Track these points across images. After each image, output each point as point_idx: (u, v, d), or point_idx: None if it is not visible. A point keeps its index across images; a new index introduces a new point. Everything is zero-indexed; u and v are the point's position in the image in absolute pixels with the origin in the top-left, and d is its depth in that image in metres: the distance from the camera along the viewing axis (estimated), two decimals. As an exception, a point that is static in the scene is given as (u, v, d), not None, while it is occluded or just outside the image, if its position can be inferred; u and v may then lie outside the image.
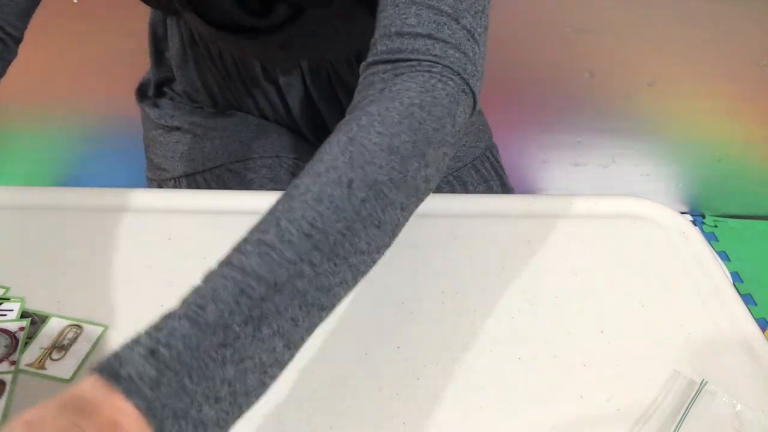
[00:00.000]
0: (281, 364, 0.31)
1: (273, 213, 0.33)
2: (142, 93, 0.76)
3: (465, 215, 0.56)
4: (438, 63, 0.39)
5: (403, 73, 0.39)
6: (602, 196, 0.60)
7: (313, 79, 0.64)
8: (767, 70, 1.28)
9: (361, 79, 0.41)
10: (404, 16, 0.40)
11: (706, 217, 1.58)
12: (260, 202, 0.56)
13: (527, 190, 1.51)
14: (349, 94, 0.66)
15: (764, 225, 1.57)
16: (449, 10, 0.40)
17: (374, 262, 0.35)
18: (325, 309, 0.32)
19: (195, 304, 0.29)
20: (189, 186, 0.70)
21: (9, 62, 0.46)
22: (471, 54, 0.40)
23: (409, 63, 0.39)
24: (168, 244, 0.51)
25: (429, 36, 0.39)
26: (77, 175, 1.40)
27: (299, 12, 0.56)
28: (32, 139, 1.31)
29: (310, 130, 0.71)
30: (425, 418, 0.40)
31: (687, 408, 0.41)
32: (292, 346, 0.31)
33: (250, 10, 0.56)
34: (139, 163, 0.77)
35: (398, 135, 0.36)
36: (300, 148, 0.71)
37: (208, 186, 0.69)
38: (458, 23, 0.40)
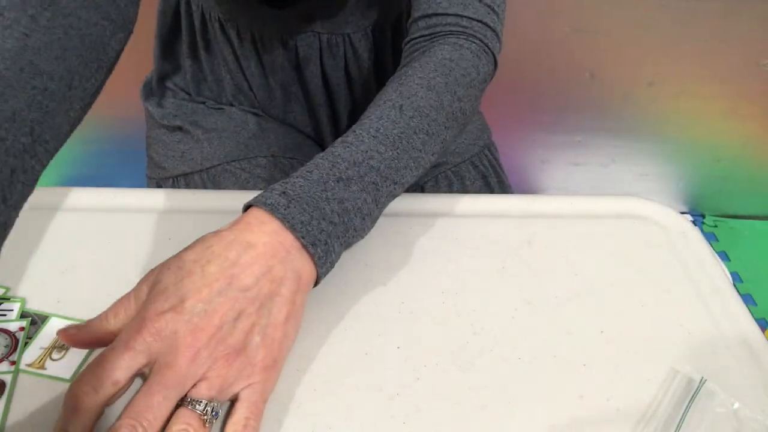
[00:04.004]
0: (373, 217, 0.45)
1: (352, 128, 0.47)
2: (147, 91, 0.76)
3: (465, 215, 0.56)
4: (464, 33, 0.54)
5: (437, 40, 0.54)
6: (602, 196, 0.60)
7: (330, 53, 0.66)
8: (767, 70, 1.28)
9: (406, 51, 0.56)
10: (437, 0, 0.55)
11: (706, 217, 1.59)
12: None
13: (527, 190, 1.52)
14: (361, 69, 0.68)
15: (764, 225, 1.57)
16: None
17: (429, 162, 0.49)
18: (397, 184, 0.46)
19: (305, 170, 0.44)
20: (187, 185, 0.70)
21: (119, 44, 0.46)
22: (491, 24, 0.55)
23: (442, 34, 0.54)
24: (168, 244, 0.51)
25: (456, 14, 0.54)
26: (77, 175, 1.41)
27: None
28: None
29: (323, 108, 0.72)
30: (425, 418, 0.40)
31: (687, 406, 0.41)
32: (379, 204, 0.45)
33: None
34: (140, 163, 0.77)
35: (434, 78, 0.50)
36: (296, 148, 0.71)
37: (204, 185, 0.69)
38: (480, 2, 0.55)
